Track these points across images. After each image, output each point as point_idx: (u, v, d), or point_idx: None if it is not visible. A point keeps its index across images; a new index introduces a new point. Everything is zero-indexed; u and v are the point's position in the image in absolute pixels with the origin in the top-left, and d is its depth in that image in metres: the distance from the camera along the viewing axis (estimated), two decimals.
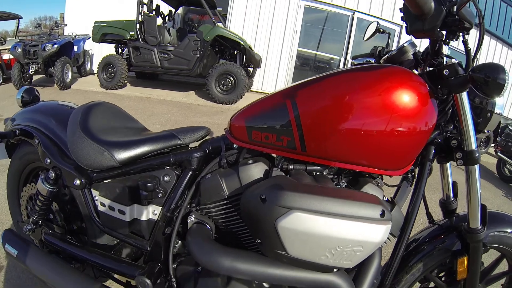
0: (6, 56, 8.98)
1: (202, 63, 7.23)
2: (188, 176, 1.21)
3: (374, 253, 1.08)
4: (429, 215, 1.37)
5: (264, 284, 1.10)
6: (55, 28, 8.94)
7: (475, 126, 1.05)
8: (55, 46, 7.68)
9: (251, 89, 8.89)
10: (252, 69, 8.09)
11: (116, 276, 1.43)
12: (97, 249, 1.42)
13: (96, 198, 1.37)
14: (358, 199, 0.91)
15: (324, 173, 1.05)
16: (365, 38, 1.76)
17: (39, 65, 7.59)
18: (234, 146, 1.14)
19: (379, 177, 1.11)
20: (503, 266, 1.43)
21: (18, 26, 10.85)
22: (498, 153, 6.21)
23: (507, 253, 1.32)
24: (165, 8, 8.83)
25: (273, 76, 9.51)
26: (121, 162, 1.24)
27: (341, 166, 0.99)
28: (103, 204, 1.36)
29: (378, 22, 1.74)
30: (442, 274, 1.40)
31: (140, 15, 7.48)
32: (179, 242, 1.24)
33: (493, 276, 1.42)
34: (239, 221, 1.11)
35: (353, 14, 9.29)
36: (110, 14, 8.83)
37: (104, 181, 1.35)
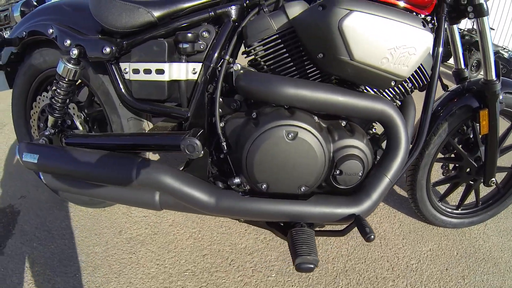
0: None
1: None
2: (229, 28, 1.19)
3: (408, 111, 1.26)
4: (444, 85, 1.51)
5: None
6: None
7: None
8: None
9: None
10: None
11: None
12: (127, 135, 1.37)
13: (126, 70, 1.30)
14: (403, 11, 1.02)
15: None
16: None
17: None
18: None
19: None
20: None
21: None
22: None
23: None
24: None
25: None
26: (159, 18, 1.20)
27: None
28: (136, 71, 1.27)
29: None
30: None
31: None
32: (220, 100, 1.20)
33: (506, 146, 1.64)
34: (286, 58, 1.13)
35: None
36: None
37: (136, 44, 1.26)
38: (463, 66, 1.48)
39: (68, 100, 1.40)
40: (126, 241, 1.69)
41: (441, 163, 1.70)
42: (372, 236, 0.99)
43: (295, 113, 1.09)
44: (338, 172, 1.11)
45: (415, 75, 1.15)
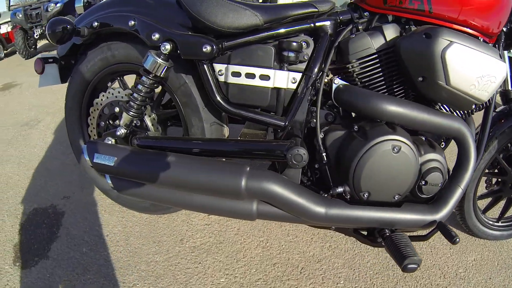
0: (4, 29, 8.40)
1: None
2: (326, 42, 1.22)
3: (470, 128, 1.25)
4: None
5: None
6: None
7: None
8: (59, 4, 7.16)
9: None
10: None
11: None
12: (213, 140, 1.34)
13: (222, 72, 1.27)
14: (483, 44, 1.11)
15: None
16: None
17: (44, 28, 7.07)
18: (365, 14, 1.26)
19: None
20: None
21: None
22: None
23: None
24: None
25: None
26: (265, 22, 1.21)
27: (459, 29, 1.13)
28: (237, 74, 1.25)
29: None
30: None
31: None
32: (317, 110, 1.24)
33: None
34: (381, 76, 1.21)
35: None
36: None
37: (239, 46, 1.25)
38: (510, 88, 1.50)
39: (148, 98, 1.35)
40: (189, 250, 1.64)
41: (485, 177, 1.77)
42: (458, 240, 1.08)
43: (396, 129, 1.16)
44: (423, 182, 1.20)
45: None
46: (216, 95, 1.26)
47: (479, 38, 1.15)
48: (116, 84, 1.70)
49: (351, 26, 1.24)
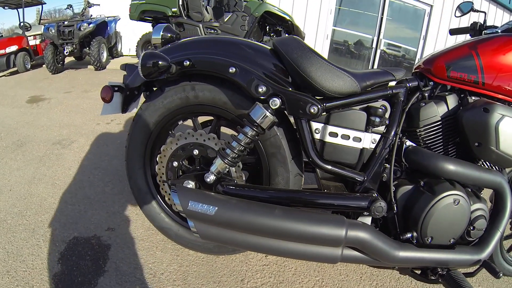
0: (32, 42, 8.66)
1: (250, 39, 6.86)
2: (400, 107, 1.38)
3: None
4: None
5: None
6: (88, 7, 8.40)
7: None
8: (91, 25, 7.36)
9: None
10: None
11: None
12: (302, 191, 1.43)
13: (318, 130, 1.37)
14: None
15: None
16: (457, 15, 2.06)
17: (74, 46, 7.25)
18: (430, 83, 1.45)
19: None
20: None
21: (41, 12, 10.34)
22: None
23: None
24: None
25: None
26: (362, 88, 1.34)
27: (507, 99, 1.35)
28: (334, 134, 1.37)
29: (472, 2, 1.94)
30: None
31: None
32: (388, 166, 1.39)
33: None
34: (442, 139, 1.41)
35: None
36: None
37: (339, 109, 1.36)
38: None
39: (246, 149, 1.35)
40: None
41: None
42: (501, 274, 1.28)
43: (455, 184, 1.35)
44: (472, 228, 1.37)
45: None
46: (312, 152, 1.34)
47: None
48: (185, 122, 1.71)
49: (418, 93, 1.44)
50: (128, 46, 9.62)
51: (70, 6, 8.60)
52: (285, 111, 1.35)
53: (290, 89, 1.32)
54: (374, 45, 9.56)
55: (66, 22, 7.44)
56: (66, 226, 1.99)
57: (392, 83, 1.45)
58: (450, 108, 1.38)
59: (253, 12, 6.73)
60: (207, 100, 1.44)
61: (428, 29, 9.47)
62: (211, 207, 1.22)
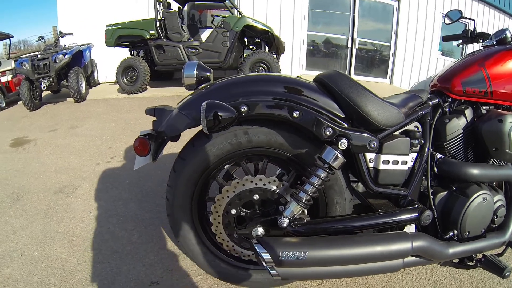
0: (4, 78, 8.35)
1: (233, 54, 7.16)
2: (428, 125, 1.56)
3: None
4: None
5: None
6: (61, 37, 8.11)
7: None
8: (67, 56, 7.14)
9: None
10: (276, 55, 7.90)
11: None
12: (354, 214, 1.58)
13: (372, 159, 1.47)
14: None
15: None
16: (447, 23, 2.24)
17: (51, 79, 7.01)
18: (448, 99, 1.66)
19: None
20: None
21: (10, 45, 9.93)
22: None
23: None
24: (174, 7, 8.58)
25: (288, 60, 9.68)
26: (405, 116, 1.49)
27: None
28: (386, 162, 1.47)
29: (461, 11, 2.14)
30: None
31: (158, 13, 7.19)
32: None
33: None
34: (464, 148, 1.62)
35: None
36: (105, 19, 8.30)
37: (390, 139, 1.47)
38: None
39: (318, 190, 1.41)
40: None
41: None
42: None
43: (480, 185, 1.55)
44: (495, 216, 1.59)
45: None
46: (368, 180, 1.46)
47: None
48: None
49: (440, 110, 1.63)
50: (104, 73, 9.50)
51: (41, 37, 8.35)
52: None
53: (348, 126, 1.42)
54: (349, 45, 10.01)
55: (39, 55, 7.17)
56: None
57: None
58: (468, 120, 1.61)
59: (233, 27, 6.87)
60: (262, 143, 1.45)
61: (399, 23, 10.01)
62: (302, 252, 1.25)
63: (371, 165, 1.48)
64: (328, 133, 1.35)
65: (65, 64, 7.04)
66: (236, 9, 7.27)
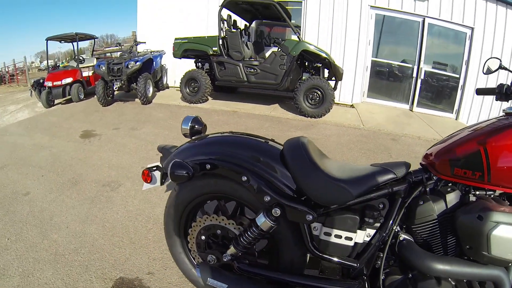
0: (86, 73, 9.52)
1: (289, 78, 7.14)
2: (399, 203, 1.46)
3: None
4: None
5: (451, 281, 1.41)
6: (135, 45, 9.12)
7: None
8: (138, 63, 7.91)
9: None
10: (334, 81, 7.76)
11: None
12: (300, 274, 1.64)
13: (317, 228, 1.53)
14: None
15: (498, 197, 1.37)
16: (485, 72, 1.87)
17: (122, 82, 7.83)
18: (434, 177, 1.46)
19: None
20: None
21: (94, 45, 11.40)
22: None
23: None
24: (240, 23, 8.98)
25: (349, 88, 9.22)
26: (356, 196, 1.43)
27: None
28: (328, 234, 1.52)
29: (500, 60, 1.79)
30: None
31: (222, 31, 7.55)
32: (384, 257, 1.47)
33: None
34: (437, 236, 1.42)
35: (424, 20, 8.84)
36: (178, 30, 9.13)
37: (332, 214, 1.50)
38: None
39: (253, 244, 1.57)
40: None
41: None
42: None
43: (442, 283, 1.39)
44: None
45: None
46: (310, 245, 1.51)
47: None
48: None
49: (421, 187, 1.45)
50: (174, 78, 10.12)
51: (119, 44, 9.38)
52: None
53: (293, 196, 1.50)
54: (414, 74, 9.13)
55: (115, 60, 8.10)
56: (114, 267, 2.29)
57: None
58: (448, 207, 1.40)
59: (291, 51, 6.90)
60: (229, 192, 1.66)
61: (471, 53, 8.74)
62: (224, 285, 1.54)
63: (315, 232, 1.54)
64: (266, 199, 1.47)
65: (135, 70, 7.82)
66: (295, 34, 7.28)
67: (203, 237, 1.74)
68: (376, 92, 9.47)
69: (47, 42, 9.75)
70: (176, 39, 8.05)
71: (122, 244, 2.57)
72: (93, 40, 11.15)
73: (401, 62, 9.37)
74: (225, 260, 1.62)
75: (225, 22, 7.67)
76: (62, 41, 10.79)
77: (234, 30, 7.54)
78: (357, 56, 9.09)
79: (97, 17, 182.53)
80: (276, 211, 1.46)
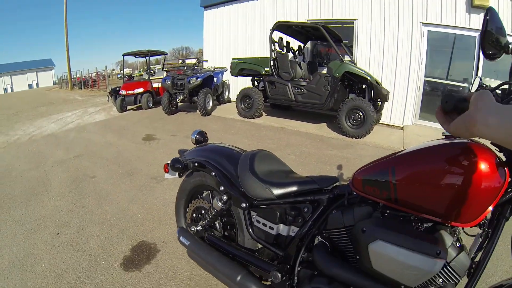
0: (156, 84, 10.84)
1: (333, 98, 7.33)
2: (321, 210, 1.63)
3: None
4: None
5: None
6: (198, 62, 10.25)
7: None
8: (198, 79, 8.91)
9: (380, 122, 8.53)
10: (380, 103, 7.80)
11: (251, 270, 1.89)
12: (244, 249, 2.00)
13: (254, 216, 1.90)
14: (424, 239, 1.21)
15: (411, 218, 1.32)
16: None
17: (184, 95, 8.90)
18: (354, 193, 1.53)
19: (456, 227, 1.29)
20: None
21: (164, 60, 12.87)
22: None
23: None
24: (295, 44, 9.44)
25: (401, 109, 8.74)
26: (277, 196, 1.73)
27: (421, 216, 1.26)
28: (258, 221, 1.88)
29: (480, 78, 1.67)
30: None
31: (273, 53, 8.05)
32: (306, 253, 1.66)
33: None
34: (348, 243, 1.49)
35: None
36: (242, 49, 10.04)
37: (261, 206, 1.83)
38: None
39: (213, 221, 2.13)
40: None
41: None
42: None
43: (333, 283, 1.48)
44: None
45: (444, 275, 1.23)
46: (250, 229, 1.85)
47: (447, 224, 1.24)
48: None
49: (342, 200, 1.57)
50: (235, 92, 10.55)
51: (183, 61, 10.49)
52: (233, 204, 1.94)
53: (235, 189, 1.89)
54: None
55: (179, 76, 9.18)
56: (141, 233, 3.12)
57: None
58: (356, 220, 1.45)
59: (334, 73, 7.10)
60: (209, 183, 2.22)
61: None
62: (186, 241, 2.12)
63: (253, 220, 1.89)
64: (221, 189, 1.95)
65: (196, 85, 8.77)
66: (339, 56, 7.33)
67: (194, 214, 2.34)
68: (430, 113, 8.61)
69: (123, 57, 11.27)
70: (233, 59, 8.84)
71: (152, 220, 3.39)
72: (164, 56, 12.65)
73: (456, 81, 8.38)
74: (194, 231, 2.17)
75: (276, 44, 8.15)
76: (136, 56, 12.35)
77: (284, 52, 8.06)
78: (408, 75, 8.56)
79: (174, 31, 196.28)
80: (223, 197, 1.90)
